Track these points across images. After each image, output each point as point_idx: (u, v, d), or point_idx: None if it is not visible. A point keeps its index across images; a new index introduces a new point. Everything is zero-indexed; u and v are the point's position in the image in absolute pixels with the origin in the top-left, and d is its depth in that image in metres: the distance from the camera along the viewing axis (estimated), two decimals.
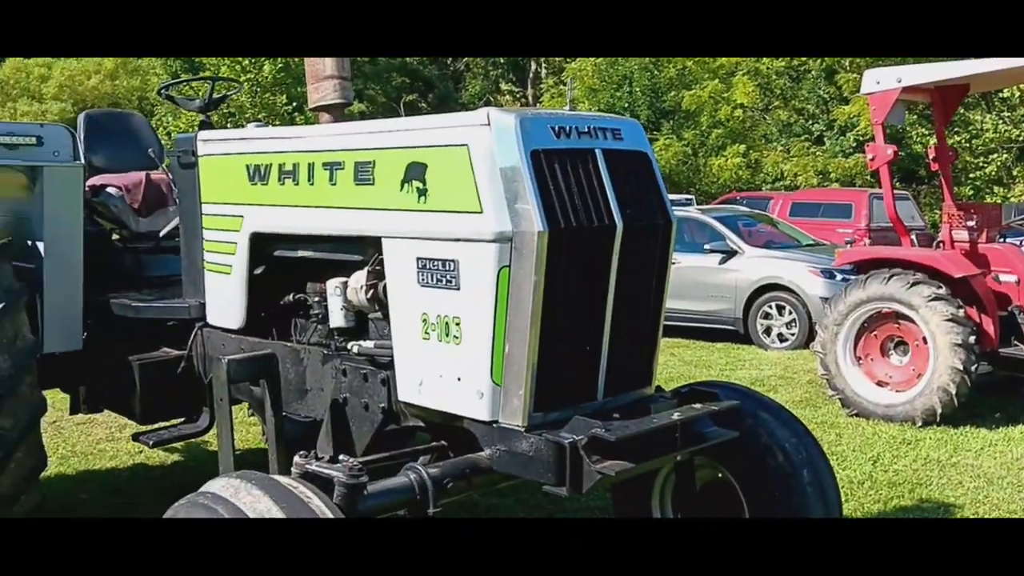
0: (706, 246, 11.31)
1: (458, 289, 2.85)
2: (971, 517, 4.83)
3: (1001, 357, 6.88)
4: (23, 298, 4.06)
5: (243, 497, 2.44)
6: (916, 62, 9.79)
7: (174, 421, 4.50)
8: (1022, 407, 7.15)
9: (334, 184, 3.26)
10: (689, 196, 26.25)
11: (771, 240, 12.06)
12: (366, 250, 3.24)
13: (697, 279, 11.26)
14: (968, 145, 25.62)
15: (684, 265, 11.41)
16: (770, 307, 10.81)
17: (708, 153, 31.23)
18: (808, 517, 3.36)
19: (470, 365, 2.85)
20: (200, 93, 4.91)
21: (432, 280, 2.93)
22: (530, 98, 38.97)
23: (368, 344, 3.33)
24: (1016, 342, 6.89)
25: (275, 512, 2.37)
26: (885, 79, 6.98)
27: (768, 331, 10.82)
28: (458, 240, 2.82)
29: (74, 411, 5.03)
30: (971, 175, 26.17)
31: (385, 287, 3.15)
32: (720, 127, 30.05)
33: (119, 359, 4.33)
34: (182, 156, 4.08)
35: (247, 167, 3.66)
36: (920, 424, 6.64)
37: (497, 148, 2.73)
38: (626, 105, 32.98)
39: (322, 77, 3.60)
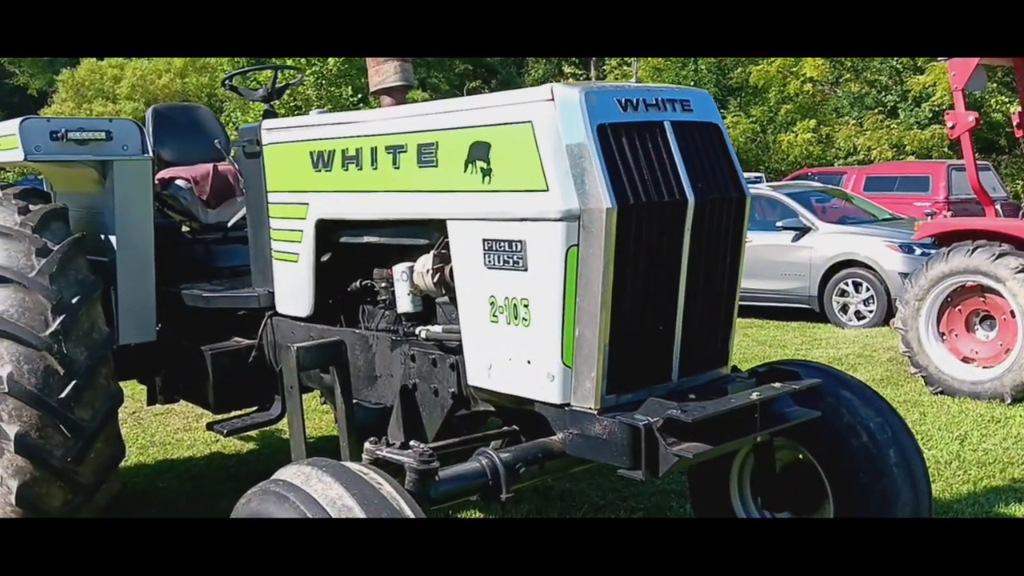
0: (778, 223, 11.06)
1: (525, 270, 2.78)
2: None
3: None
4: (97, 291, 4.11)
5: (314, 484, 2.42)
6: None
7: (247, 410, 4.52)
8: None
9: (397, 168, 3.21)
10: (759, 174, 25.76)
11: (845, 215, 11.73)
12: (431, 233, 3.20)
13: (770, 257, 11.03)
14: None
15: (756, 243, 11.19)
16: (846, 284, 10.53)
17: (777, 130, 30.62)
18: (896, 499, 3.23)
19: (540, 348, 2.78)
20: (263, 83, 4.92)
21: (499, 262, 2.86)
22: (594, 79, 38.67)
23: (436, 329, 3.29)
24: None
25: (346, 498, 2.33)
26: None
27: (845, 309, 10.55)
28: (524, 220, 2.75)
29: (151, 402, 5.10)
30: None
31: (451, 270, 3.10)
32: (789, 102, 29.42)
33: (192, 349, 4.38)
34: (247, 146, 4.08)
35: (311, 154, 3.64)
36: (1010, 401, 6.37)
37: (562, 124, 2.65)
38: (692, 83, 32.51)
39: (381, 61, 3.55)
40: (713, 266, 2.92)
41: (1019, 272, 6.30)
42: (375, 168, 3.31)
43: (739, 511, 3.69)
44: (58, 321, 3.87)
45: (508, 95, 2.86)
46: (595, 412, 2.70)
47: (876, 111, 27.31)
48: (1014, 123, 7.39)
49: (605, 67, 35.93)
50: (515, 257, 2.80)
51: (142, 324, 4.50)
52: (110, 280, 4.40)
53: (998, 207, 7.26)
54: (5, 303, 3.86)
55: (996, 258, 6.42)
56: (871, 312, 10.29)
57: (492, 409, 3.18)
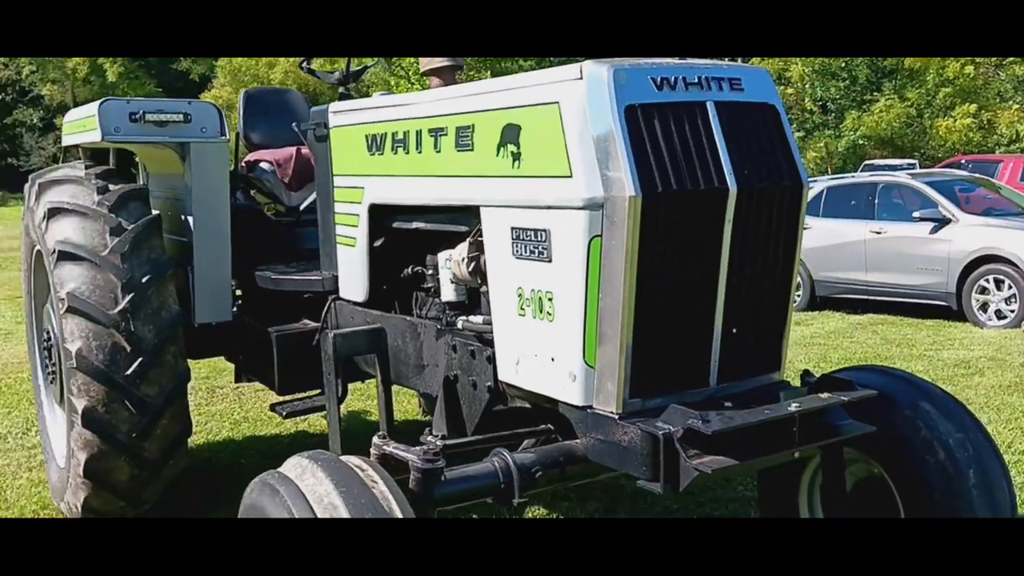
0: (915, 214, 10.34)
1: (550, 261, 2.61)
2: None
3: None
4: (169, 270, 4.18)
5: (307, 479, 2.33)
6: None
7: (310, 393, 4.51)
8: None
9: (439, 151, 3.09)
10: (912, 161, 24.39)
11: (992, 207, 10.87)
12: (470, 220, 3.05)
13: (904, 250, 10.37)
14: None
15: (890, 235, 10.59)
16: (987, 280, 9.76)
17: (935, 114, 28.89)
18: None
19: (563, 345, 2.60)
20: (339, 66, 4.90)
21: (525, 251, 2.70)
22: (740, 61, 37.51)
23: (476, 319, 3.16)
24: None
25: (333, 496, 2.23)
26: None
27: (984, 307, 9.78)
28: (549, 208, 2.57)
29: (237, 380, 5.19)
30: None
31: (484, 260, 2.96)
32: (948, 86, 27.66)
33: (260, 330, 4.41)
34: (317, 129, 4.05)
35: (366, 137, 3.57)
36: None
37: (589, 105, 2.45)
38: (843, 64, 31.04)
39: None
40: (761, 260, 2.65)
41: None
42: (420, 152, 3.20)
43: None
44: (127, 299, 3.95)
45: (540, 74, 2.67)
46: (616, 417, 2.50)
47: None
48: None
49: None
50: (540, 247, 2.63)
51: (218, 304, 4.55)
52: (188, 261, 4.48)
53: None
54: (77, 281, 3.96)
55: None
56: (1013, 312, 9.51)
57: (528, 406, 3.02)
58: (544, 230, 2.60)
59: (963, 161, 18.81)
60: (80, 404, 3.90)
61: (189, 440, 4.33)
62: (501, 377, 2.90)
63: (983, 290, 9.79)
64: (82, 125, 4.58)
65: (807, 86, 31.32)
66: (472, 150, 2.90)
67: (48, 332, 4.59)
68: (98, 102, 4.37)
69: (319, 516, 2.20)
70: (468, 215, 3.05)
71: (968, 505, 2.91)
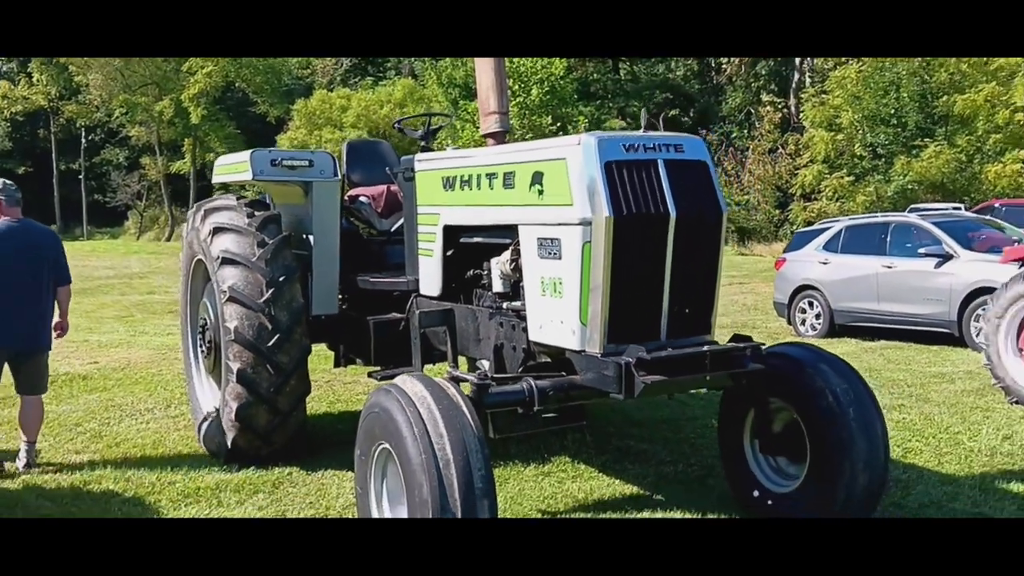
0: (920, 250, 11.54)
1: (560, 259, 4.09)
2: None
3: None
4: (297, 273, 5.77)
5: (410, 386, 3.83)
6: None
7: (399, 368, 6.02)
8: None
9: (492, 189, 4.59)
10: (958, 204, 25.24)
11: (996, 245, 11.99)
12: (512, 235, 4.55)
13: (912, 283, 11.51)
14: None
15: (900, 269, 11.77)
16: (983, 310, 10.86)
17: (984, 160, 29.65)
18: (851, 447, 4.24)
19: (568, 312, 4.07)
20: (421, 126, 6.47)
21: (546, 253, 4.18)
22: (792, 108, 38.68)
23: (516, 303, 4.65)
24: None
25: (426, 394, 3.72)
26: None
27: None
28: (560, 224, 4.06)
29: (336, 364, 6.72)
30: None
31: (521, 262, 4.44)
32: (998, 132, 28.45)
33: (361, 320, 5.93)
34: (405, 172, 5.61)
35: (442, 178, 5.10)
36: None
37: (584, 160, 3.93)
38: (893, 111, 32.01)
39: (487, 112, 4.98)
40: (695, 262, 4.09)
41: None
42: (479, 189, 4.71)
43: (749, 457, 4.81)
44: (270, 292, 5.54)
45: (557, 140, 4.18)
46: (599, 355, 3.95)
47: None
48: None
49: (802, 94, 35.90)
50: (555, 250, 4.12)
51: (328, 300, 6.12)
52: (308, 268, 6.05)
53: None
54: (235, 278, 5.57)
55: None
56: None
57: (549, 359, 4.49)
58: (557, 239, 4.09)
59: (996, 204, 19.78)
60: (235, 366, 5.49)
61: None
62: (531, 338, 4.38)
63: (980, 318, 10.91)
64: (235, 169, 6.23)
65: (857, 132, 32.41)
66: (514, 188, 4.40)
67: (205, 319, 6.20)
68: (248, 152, 6.01)
69: (417, 408, 3.68)
70: (510, 231, 4.55)
71: (849, 435, 4.28)
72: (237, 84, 49.61)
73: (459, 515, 3.45)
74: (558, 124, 34.50)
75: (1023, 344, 7.47)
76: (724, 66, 42.46)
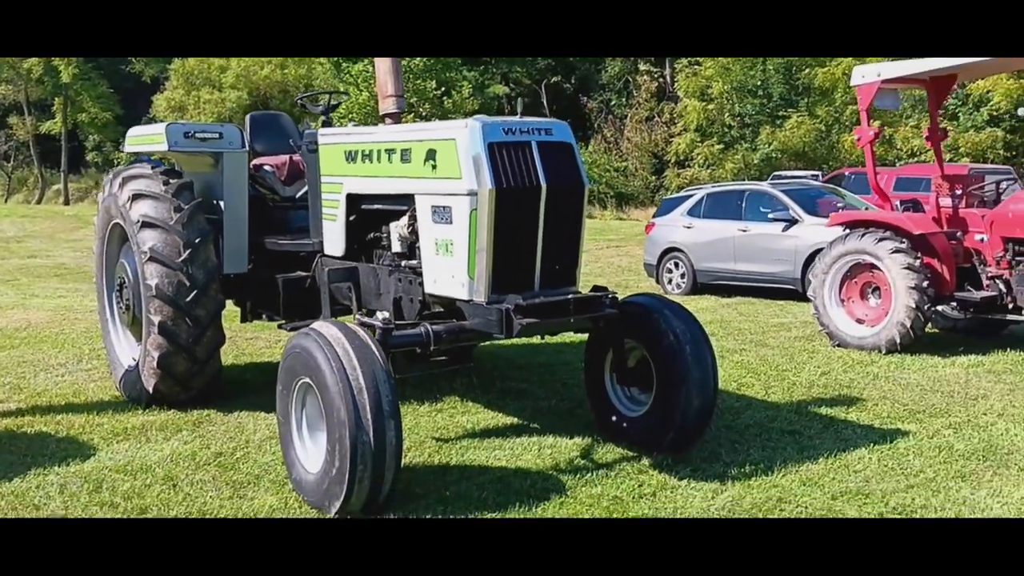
0: (769, 215, 12.83)
1: (451, 223, 4.88)
2: (872, 415, 6.42)
3: (959, 300, 8.33)
4: (211, 236, 6.38)
5: (326, 330, 4.57)
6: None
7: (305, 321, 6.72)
8: (985, 346, 8.52)
9: (391, 163, 5.34)
10: (816, 172, 27.13)
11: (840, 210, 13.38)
12: (409, 203, 5.31)
13: (763, 245, 12.81)
14: None
15: (752, 232, 13.04)
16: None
17: (842, 130, 31.77)
18: (688, 375, 5.20)
19: (458, 268, 4.88)
20: (323, 102, 7.13)
21: (439, 219, 4.97)
22: (667, 77, 40.22)
23: (413, 262, 5.43)
24: (969, 287, 8.31)
25: (338, 335, 4.48)
26: (868, 74, 8.54)
27: None
28: (450, 195, 4.84)
29: (243, 319, 7.36)
30: None
31: (418, 226, 5.22)
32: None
33: (270, 278, 6.59)
34: (309, 145, 6.28)
35: (345, 152, 5.80)
36: (885, 352, 8.21)
37: (470, 141, 4.72)
38: (759, 83, 33.89)
39: (385, 95, 5.70)
40: (562, 225, 4.95)
41: (893, 252, 8.13)
42: (379, 163, 5.45)
43: (609, 389, 5.74)
44: (187, 252, 6.15)
45: (447, 123, 4.96)
46: (485, 303, 4.79)
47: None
48: (924, 136, 9.13)
49: (676, 65, 37.44)
50: (446, 216, 4.91)
51: (238, 260, 6.75)
52: (219, 231, 6.66)
53: (897, 203, 8.97)
54: (155, 240, 6.16)
55: (878, 241, 8.26)
56: None
57: (441, 309, 5.30)
58: (448, 207, 4.87)
59: (847, 173, 21.55)
60: (156, 319, 6.10)
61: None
62: (426, 290, 5.18)
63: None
64: (149, 140, 6.77)
65: (727, 102, 34.19)
66: (411, 163, 5.16)
67: (122, 278, 6.74)
68: (163, 124, 6.56)
69: (334, 346, 4.44)
70: (407, 200, 5.32)
71: (686, 367, 5.23)
72: None
73: (371, 433, 4.24)
74: (442, 89, 35.03)
75: (844, 296, 8.72)
76: None
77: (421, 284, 5.29)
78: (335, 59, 37.61)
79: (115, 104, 47.14)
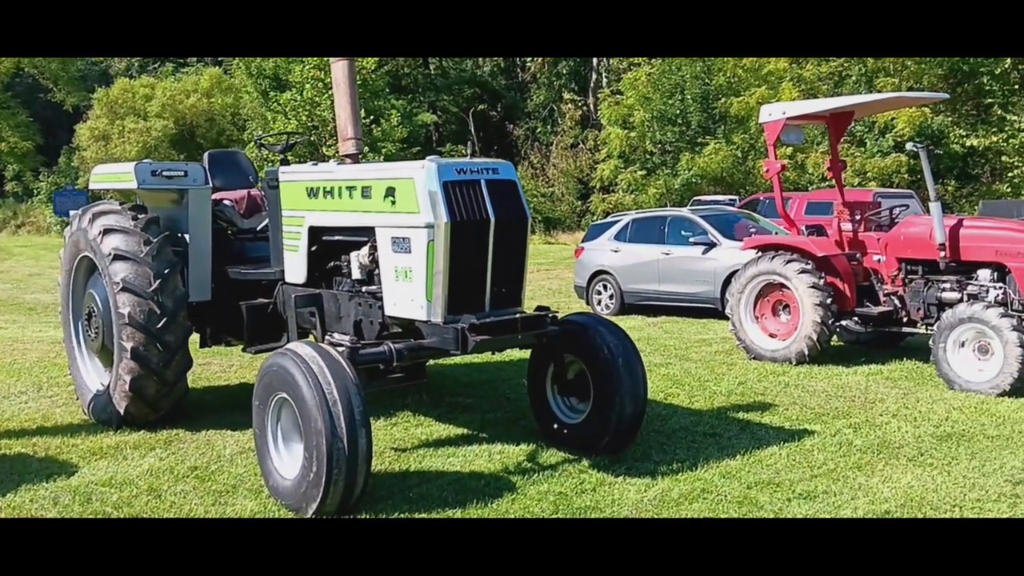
0: (691, 239, 13.69)
1: (410, 252, 5.47)
2: (784, 417, 7.18)
3: (860, 315, 9.23)
4: (178, 267, 6.85)
5: (300, 349, 5.12)
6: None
7: (269, 344, 7.21)
8: (884, 356, 9.46)
9: (352, 199, 5.91)
10: (733, 197, 28.37)
11: (753, 234, 14.33)
12: (369, 235, 5.88)
13: (684, 267, 13.64)
14: (1006, 145, 27.22)
15: (675, 255, 13.87)
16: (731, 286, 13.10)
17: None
18: (620, 385, 5.87)
19: (417, 292, 5.47)
20: (280, 141, 7.67)
21: (399, 249, 5.56)
22: (591, 106, 41.43)
23: (372, 287, 5.99)
24: (868, 303, 9.23)
25: (313, 353, 5.02)
26: (775, 112, 9.44)
27: None
28: (409, 227, 5.44)
29: (203, 345, 7.80)
30: (1009, 174, 27.73)
31: (378, 256, 5.80)
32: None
33: (234, 305, 7.07)
34: (271, 182, 6.82)
35: (306, 188, 6.35)
36: (795, 363, 9.06)
37: (427, 179, 5.33)
38: (679, 111, 35.21)
39: (346, 138, 6.28)
40: (508, 253, 5.58)
41: (800, 272, 9.02)
42: (341, 198, 6.02)
43: (550, 399, 6.38)
44: (157, 282, 6.61)
45: (405, 164, 5.57)
46: (441, 323, 5.39)
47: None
48: (826, 166, 10.08)
49: (600, 94, 38.63)
50: (406, 246, 5.50)
51: (203, 289, 7.21)
52: (185, 261, 7.12)
53: (802, 228, 9.87)
54: (127, 271, 6.61)
55: (787, 263, 9.15)
56: None
57: (400, 329, 5.88)
58: (407, 238, 5.47)
59: (761, 198, 22.71)
60: (128, 345, 6.54)
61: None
62: (387, 313, 5.75)
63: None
64: (117, 178, 7.22)
65: (648, 130, 35.43)
66: (371, 199, 5.74)
67: (91, 308, 7.14)
68: (132, 163, 7.03)
69: (309, 364, 4.98)
70: (367, 232, 5.89)
71: (619, 377, 5.90)
72: (27, 69, 47.29)
73: (345, 440, 4.79)
74: (371, 117, 35.49)
75: (758, 313, 9.56)
76: (528, 64, 44.78)
77: (381, 307, 5.86)
78: (262, 88, 37.75)
79: (35, 133, 46.47)
